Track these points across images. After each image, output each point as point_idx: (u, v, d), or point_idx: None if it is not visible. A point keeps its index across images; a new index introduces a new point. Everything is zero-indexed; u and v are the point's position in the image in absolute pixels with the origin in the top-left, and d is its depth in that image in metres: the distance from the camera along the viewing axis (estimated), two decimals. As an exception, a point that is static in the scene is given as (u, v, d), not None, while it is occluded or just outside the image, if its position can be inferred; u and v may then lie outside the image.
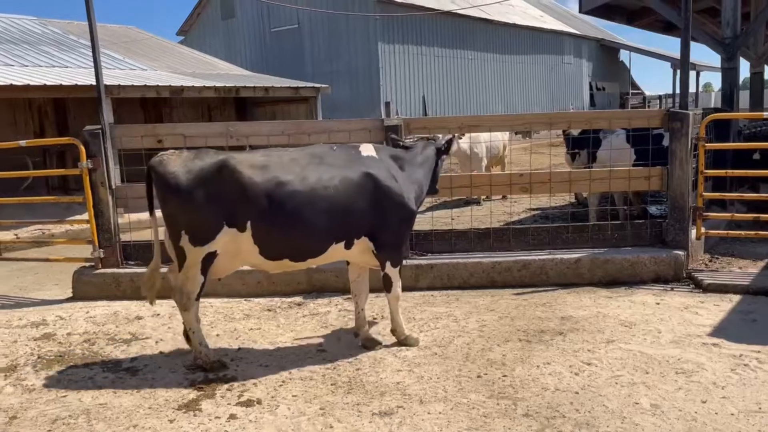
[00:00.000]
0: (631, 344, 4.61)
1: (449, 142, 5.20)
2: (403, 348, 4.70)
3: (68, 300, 6.43)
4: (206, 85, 13.53)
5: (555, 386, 3.98)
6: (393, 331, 4.81)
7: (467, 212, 8.75)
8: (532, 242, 6.61)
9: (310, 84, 16.82)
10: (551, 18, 36.49)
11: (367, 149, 4.66)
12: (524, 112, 25.76)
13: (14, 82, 10.41)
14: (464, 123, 6.75)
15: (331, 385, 4.13)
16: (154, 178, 4.30)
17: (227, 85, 14.02)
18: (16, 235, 9.58)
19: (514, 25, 30.98)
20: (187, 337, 4.55)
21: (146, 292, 4.61)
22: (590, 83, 37.23)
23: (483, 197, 11.09)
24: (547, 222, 9.28)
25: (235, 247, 4.31)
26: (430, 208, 10.76)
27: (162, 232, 4.51)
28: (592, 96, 37.29)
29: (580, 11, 13.18)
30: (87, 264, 6.62)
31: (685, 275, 6.20)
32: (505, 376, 4.17)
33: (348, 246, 4.49)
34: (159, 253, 4.58)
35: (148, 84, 12.47)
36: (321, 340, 4.96)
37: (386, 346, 4.75)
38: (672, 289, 5.95)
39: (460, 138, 10.20)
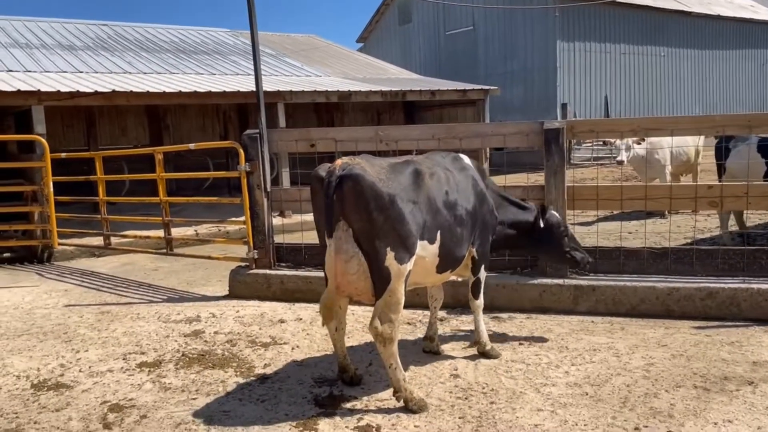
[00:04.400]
0: None
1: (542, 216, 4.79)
2: (548, 383, 4.12)
3: (224, 297, 6.67)
4: (373, 89, 13.67)
5: (737, 455, 3.18)
6: (476, 342, 4.68)
7: (644, 226, 7.73)
8: (721, 266, 5.58)
9: (478, 86, 16.32)
10: (764, 7, 32.17)
11: (465, 158, 4.61)
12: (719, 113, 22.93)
13: (198, 89, 11.29)
14: (640, 126, 5.87)
15: (459, 418, 3.69)
16: (352, 190, 3.61)
17: (393, 89, 14.07)
18: (195, 231, 10.33)
19: (718, 17, 27.76)
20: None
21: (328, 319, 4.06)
22: (811, 80, 32.21)
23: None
24: (742, 243, 7.91)
25: (417, 263, 3.89)
26: (599, 220, 9.76)
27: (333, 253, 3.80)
28: (813, 95, 32.25)
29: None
30: (242, 264, 6.83)
31: None
32: (670, 431, 3.43)
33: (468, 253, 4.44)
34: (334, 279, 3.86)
35: (318, 89, 12.88)
36: (457, 363, 4.53)
37: (527, 378, 4.20)
38: None
39: (639, 143, 9.09)
